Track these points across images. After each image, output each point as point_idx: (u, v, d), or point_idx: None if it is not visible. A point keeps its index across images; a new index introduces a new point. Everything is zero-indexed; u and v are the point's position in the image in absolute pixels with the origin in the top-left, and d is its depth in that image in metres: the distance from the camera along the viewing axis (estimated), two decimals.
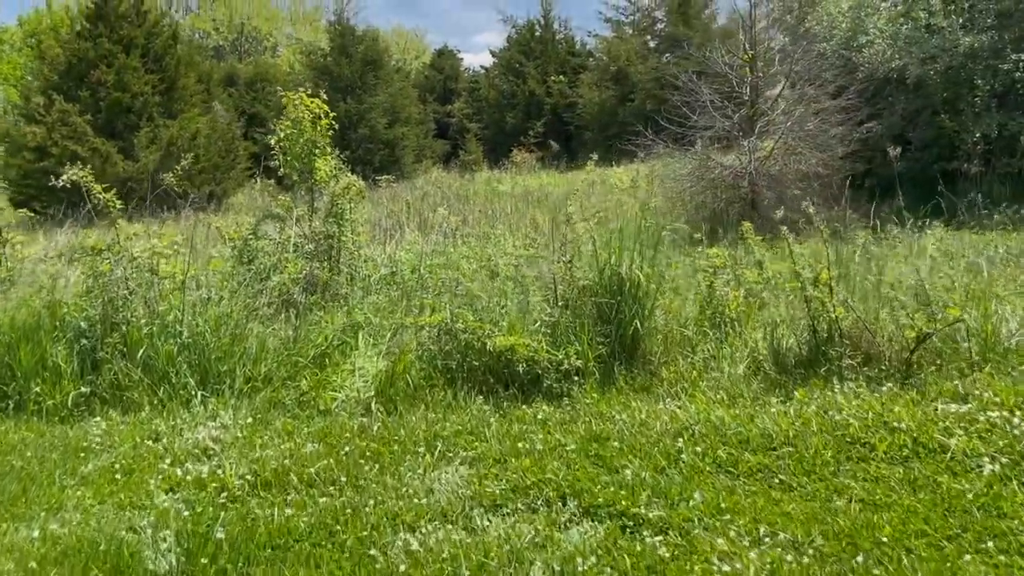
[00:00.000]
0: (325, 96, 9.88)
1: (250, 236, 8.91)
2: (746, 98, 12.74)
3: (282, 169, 9.50)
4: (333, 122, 9.56)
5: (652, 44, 34.85)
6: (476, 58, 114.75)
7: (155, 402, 5.92)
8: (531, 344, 5.86)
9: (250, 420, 5.57)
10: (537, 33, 40.34)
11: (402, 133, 33.43)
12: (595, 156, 8.40)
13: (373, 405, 5.77)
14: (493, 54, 44.05)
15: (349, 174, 9.54)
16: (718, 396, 5.65)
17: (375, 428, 5.34)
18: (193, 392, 5.99)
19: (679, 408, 5.42)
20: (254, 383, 6.13)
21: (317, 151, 9.54)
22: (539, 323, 6.36)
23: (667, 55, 33.57)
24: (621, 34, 35.26)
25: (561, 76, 37.59)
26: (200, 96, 24.68)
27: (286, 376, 6.23)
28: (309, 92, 9.79)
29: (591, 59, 37.84)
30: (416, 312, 6.91)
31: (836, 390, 5.48)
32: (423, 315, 6.92)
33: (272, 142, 9.31)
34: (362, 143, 32.28)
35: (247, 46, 53.32)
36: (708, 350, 6.42)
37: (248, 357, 6.27)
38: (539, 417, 5.42)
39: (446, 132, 43.73)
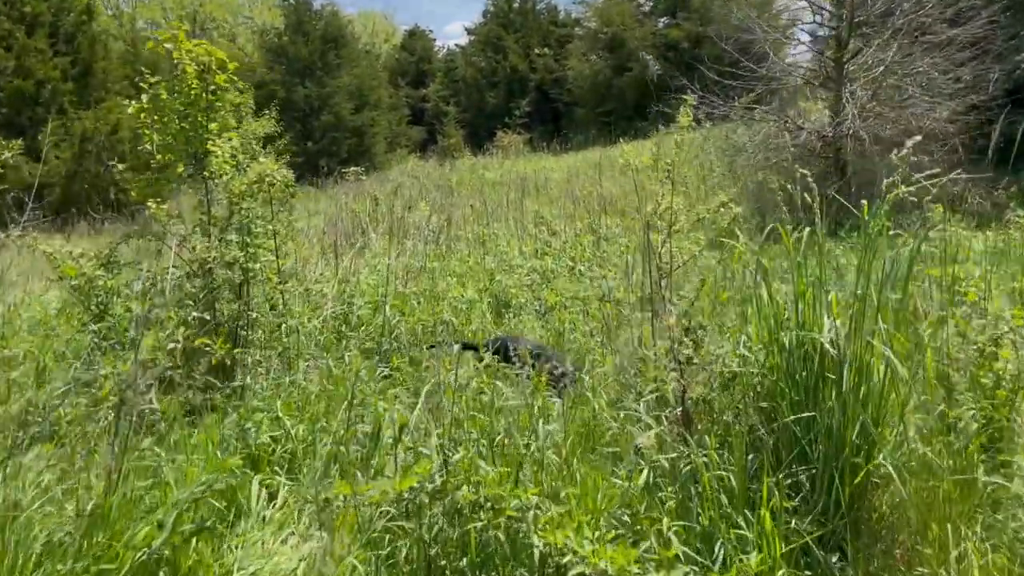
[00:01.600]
0: (279, 79, 6.22)
1: (97, 272, 5.34)
2: (832, 32, 9.22)
3: (156, 155, 5.90)
4: (234, 77, 5.94)
5: (647, 8, 31.25)
6: (448, 43, 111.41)
7: None
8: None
9: None
10: (515, 4, 36.67)
11: (371, 119, 29.72)
12: (690, 96, 4.81)
13: None
14: (469, 31, 40.34)
15: (263, 159, 5.94)
16: None
17: None
18: None
19: None
20: None
21: (213, 124, 5.92)
22: (641, 462, 2.80)
23: (664, 19, 30.04)
24: None
25: (545, 49, 33.96)
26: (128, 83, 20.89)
27: None
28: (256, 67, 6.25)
29: (578, 27, 34.19)
30: (364, 443, 3.34)
31: None
32: (378, 438, 3.37)
33: (132, 110, 5.70)
34: (327, 132, 28.58)
35: (202, 36, 49.13)
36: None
37: None
38: None
39: (422, 118, 40.04)
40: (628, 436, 3.02)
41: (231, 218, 5.41)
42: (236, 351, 5.10)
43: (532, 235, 10.52)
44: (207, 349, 4.45)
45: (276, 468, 3.78)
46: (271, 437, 3.77)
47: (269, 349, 5.22)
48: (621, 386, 3.82)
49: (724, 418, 2.82)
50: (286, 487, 3.53)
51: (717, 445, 2.75)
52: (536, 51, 33.90)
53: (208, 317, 5.07)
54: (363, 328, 6.18)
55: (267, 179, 5.80)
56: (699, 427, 2.84)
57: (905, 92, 8.82)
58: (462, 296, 6.84)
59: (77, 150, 17.48)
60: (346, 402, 3.59)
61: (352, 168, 23.72)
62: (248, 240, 5.40)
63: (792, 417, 2.70)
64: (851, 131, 8.32)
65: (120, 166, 5.80)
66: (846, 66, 9.04)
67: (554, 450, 3.03)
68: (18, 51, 18.12)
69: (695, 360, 2.90)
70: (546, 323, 6.38)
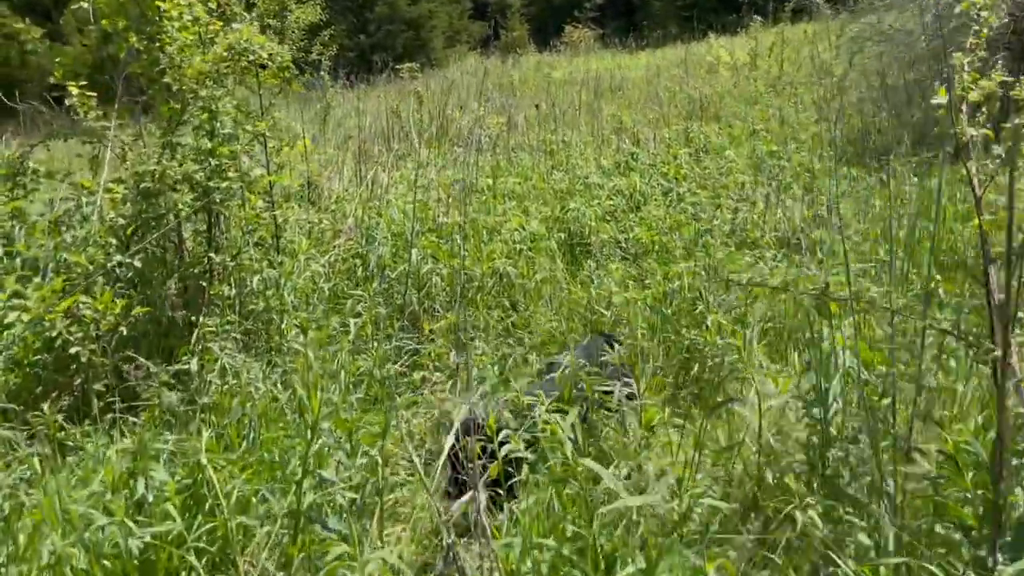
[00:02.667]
0: None
1: None
2: None
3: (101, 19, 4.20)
4: None
5: None
6: None
7: None
8: None
9: None
10: None
11: (429, 11, 27.37)
12: None
13: None
14: None
15: (238, 24, 4.08)
16: None
17: None
18: None
19: None
20: None
21: None
22: None
23: None
24: None
25: None
26: None
27: None
28: None
29: None
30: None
31: None
32: None
33: None
34: (381, 24, 26.38)
35: None
36: None
37: None
38: None
39: (484, 13, 37.30)
40: None
41: (183, 112, 3.64)
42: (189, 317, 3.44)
43: (612, 144, 8.54)
44: (83, 311, 2.79)
45: (188, 556, 2.12)
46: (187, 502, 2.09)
47: (225, 323, 3.51)
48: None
49: None
50: None
51: None
52: None
53: (139, 264, 3.37)
54: (387, 273, 4.45)
55: (250, 56, 4.00)
56: None
57: None
58: (523, 229, 5.02)
59: (101, 34, 15.72)
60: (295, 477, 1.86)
61: (407, 64, 21.68)
62: (211, 146, 3.64)
63: None
64: None
65: (35, 32, 4.08)
66: None
67: None
68: None
69: None
70: (639, 273, 4.55)
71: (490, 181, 6.45)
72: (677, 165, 7.08)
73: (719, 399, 2.28)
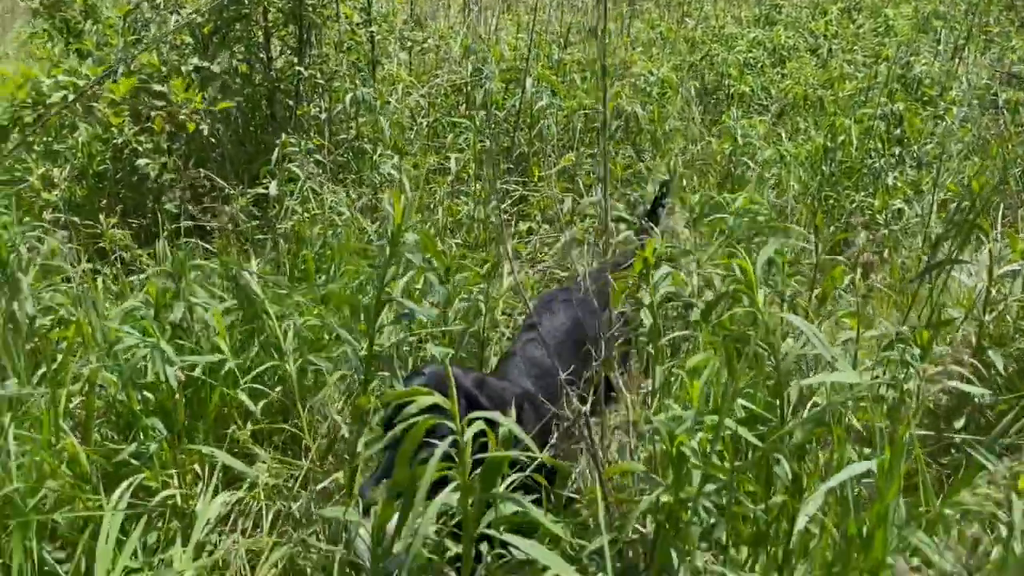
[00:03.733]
0: None
1: None
2: None
3: None
4: None
5: None
6: None
7: None
8: None
9: None
10: None
11: None
12: None
13: None
14: None
15: None
16: None
17: None
18: None
19: None
20: None
21: None
22: None
23: None
24: None
25: None
26: None
27: None
28: None
29: None
30: None
31: None
32: None
33: None
34: None
35: None
36: None
37: None
38: None
39: None
40: None
41: None
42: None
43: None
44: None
45: (241, 396, 1.76)
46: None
47: (327, 140, 3.07)
48: None
49: None
50: None
51: None
52: None
53: (219, 69, 2.94)
54: (494, 110, 3.92)
55: None
56: None
57: None
58: (650, 74, 4.36)
59: None
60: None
61: None
62: None
63: None
64: None
65: None
66: None
67: None
68: None
69: None
70: (786, 132, 3.88)
71: (612, 26, 5.73)
72: (827, 21, 6.18)
73: (931, 260, 1.71)
